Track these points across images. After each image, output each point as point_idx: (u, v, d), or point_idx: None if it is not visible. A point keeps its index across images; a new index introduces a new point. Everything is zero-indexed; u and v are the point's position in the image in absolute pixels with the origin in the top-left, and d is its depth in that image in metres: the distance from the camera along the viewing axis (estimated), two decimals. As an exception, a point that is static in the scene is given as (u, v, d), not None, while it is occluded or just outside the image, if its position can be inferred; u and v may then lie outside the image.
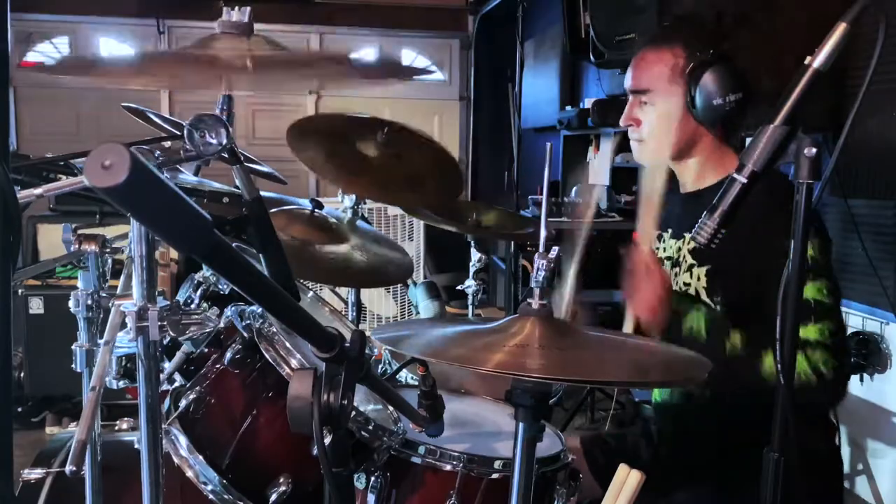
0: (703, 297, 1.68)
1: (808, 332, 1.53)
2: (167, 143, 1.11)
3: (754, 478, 1.12)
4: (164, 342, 1.14)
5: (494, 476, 1.43)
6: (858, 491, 2.74)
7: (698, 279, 1.69)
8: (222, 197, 1.32)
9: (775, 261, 1.53)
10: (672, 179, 1.80)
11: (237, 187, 1.30)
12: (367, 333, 1.03)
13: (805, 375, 1.52)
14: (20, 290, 3.65)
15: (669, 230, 1.81)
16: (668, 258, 1.80)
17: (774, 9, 1.60)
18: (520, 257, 4.31)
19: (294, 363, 1.37)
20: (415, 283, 2.79)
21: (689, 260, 1.71)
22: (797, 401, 1.47)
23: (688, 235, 1.72)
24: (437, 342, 1.12)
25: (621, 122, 1.76)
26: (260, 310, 1.46)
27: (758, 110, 1.66)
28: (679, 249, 1.76)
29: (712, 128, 1.68)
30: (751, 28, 1.61)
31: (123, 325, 1.11)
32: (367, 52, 6.15)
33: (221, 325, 1.50)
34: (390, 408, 1.45)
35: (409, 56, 6.28)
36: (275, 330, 1.42)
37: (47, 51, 5.72)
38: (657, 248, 1.85)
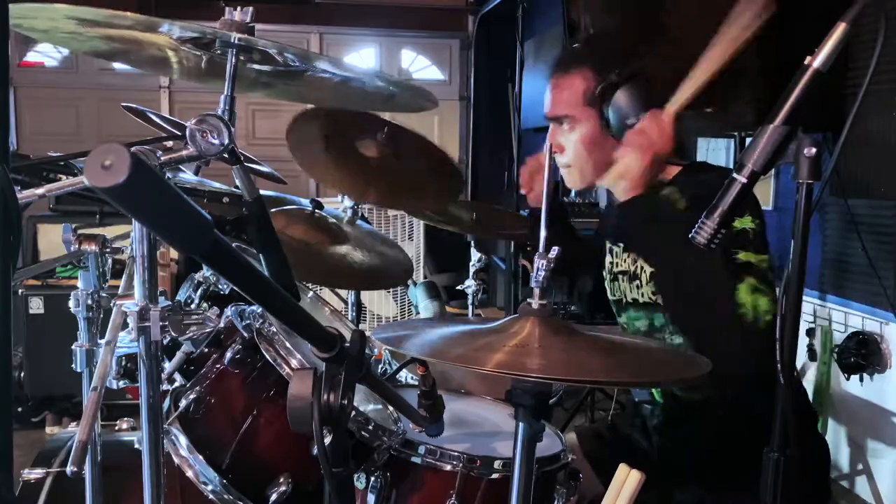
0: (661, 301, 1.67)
1: (749, 256, 1.49)
2: (168, 143, 1.11)
3: (753, 477, 1.12)
4: (164, 342, 1.14)
5: (494, 476, 1.43)
6: (858, 491, 2.74)
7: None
8: (222, 197, 1.32)
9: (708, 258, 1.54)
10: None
11: (237, 187, 1.30)
12: (367, 333, 1.03)
13: (751, 312, 1.47)
14: (20, 290, 3.66)
15: (621, 244, 1.79)
16: (624, 272, 1.77)
17: (680, 22, 1.56)
18: (520, 257, 4.30)
19: (294, 363, 1.38)
20: (415, 283, 2.78)
21: (648, 269, 1.69)
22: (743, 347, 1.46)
23: None
24: (437, 342, 1.12)
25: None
26: (260, 310, 1.46)
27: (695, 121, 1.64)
28: (635, 261, 1.73)
29: None
30: (658, 43, 1.58)
31: (125, 325, 1.11)
32: (366, 53, 6.16)
33: (221, 325, 1.50)
34: (390, 408, 1.45)
35: (409, 56, 6.28)
36: (275, 330, 1.42)
37: (47, 51, 5.71)
38: (610, 263, 1.84)
